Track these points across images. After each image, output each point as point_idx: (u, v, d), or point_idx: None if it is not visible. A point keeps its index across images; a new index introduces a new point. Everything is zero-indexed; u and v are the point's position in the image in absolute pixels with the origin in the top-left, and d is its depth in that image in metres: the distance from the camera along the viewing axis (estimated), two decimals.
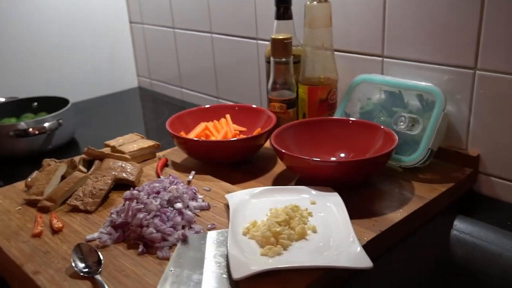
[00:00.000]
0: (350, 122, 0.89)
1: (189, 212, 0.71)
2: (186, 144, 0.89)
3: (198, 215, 0.74)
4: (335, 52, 0.97)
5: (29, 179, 0.84)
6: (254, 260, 0.60)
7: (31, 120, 1.11)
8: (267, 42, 0.96)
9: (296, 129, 0.88)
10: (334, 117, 0.93)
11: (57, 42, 1.48)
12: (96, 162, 0.88)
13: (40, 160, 0.89)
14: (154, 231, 0.66)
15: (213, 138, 0.94)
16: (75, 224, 0.73)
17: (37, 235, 0.70)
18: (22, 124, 1.08)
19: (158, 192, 0.73)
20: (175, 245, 0.66)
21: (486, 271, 0.74)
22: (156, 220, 0.67)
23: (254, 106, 1.02)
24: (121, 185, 0.83)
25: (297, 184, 0.83)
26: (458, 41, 0.82)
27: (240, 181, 0.86)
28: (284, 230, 0.65)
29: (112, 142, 0.95)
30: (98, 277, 0.60)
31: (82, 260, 0.63)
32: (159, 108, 1.52)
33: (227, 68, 1.32)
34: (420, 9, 0.86)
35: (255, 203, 0.73)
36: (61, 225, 0.72)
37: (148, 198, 0.71)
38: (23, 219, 0.75)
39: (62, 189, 0.79)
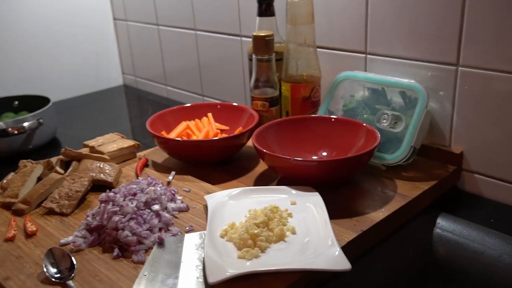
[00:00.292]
0: (332, 120, 0.88)
1: (167, 214, 0.70)
2: (167, 144, 0.88)
3: (176, 217, 0.73)
4: (318, 49, 0.96)
5: (5, 181, 0.82)
6: (230, 263, 0.59)
7: (10, 119, 1.09)
8: (250, 39, 0.94)
9: (277, 128, 0.87)
10: (316, 115, 0.92)
11: (39, 39, 1.46)
12: (74, 163, 0.86)
13: (22, 159, 0.87)
14: (129, 234, 0.65)
15: (194, 138, 0.92)
16: (50, 228, 0.72)
17: (10, 239, 0.69)
18: (1, 124, 1.06)
19: (134, 194, 0.71)
20: (151, 248, 0.65)
21: (468, 269, 0.73)
22: (132, 223, 0.66)
23: (235, 104, 1.00)
24: (99, 186, 0.81)
25: (279, 183, 0.82)
26: (440, 37, 0.81)
27: (221, 181, 0.84)
28: (263, 232, 0.63)
29: (91, 142, 0.93)
30: (70, 282, 0.58)
31: (54, 265, 0.61)
32: (144, 106, 1.50)
33: (212, 65, 1.31)
34: (402, 6, 0.84)
35: (234, 204, 0.72)
36: (35, 228, 0.70)
37: (124, 200, 0.69)
38: None
39: (38, 191, 0.77)
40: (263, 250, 0.61)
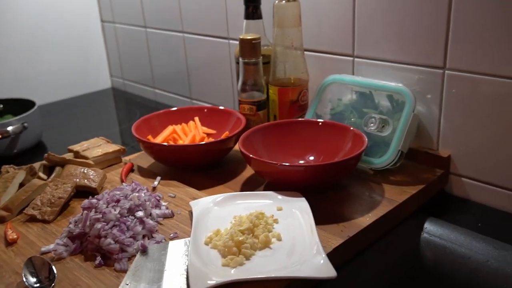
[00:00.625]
0: (319, 124, 0.87)
1: (151, 221, 0.69)
2: (152, 149, 0.87)
3: (161, 224, 0.71)
4: (306, 52, 0.95)
5: None
6: (214, 271, 0.58)
7: None
8: (238, 42, 0.93)
9: (264, 132, 0.86)
10: (303, 119, 0.91)
11: (25, 42, 1.44)
12: (57, 168, 0.84)
13: (5, 165, 0.86)
14: (112, 242, 0.63)
15: (180, 142, 0.91)
16: (31, 235, 0.70)
17: None
18: None
19: (118, 201, 0.70)
20: (134, 256, 0.64)
21: (455, 274, 0.72)
22: (115, 230, 0.65)
23: (222, 108, 0.99)
24: (83, 192, 0.80)
25: (266, 188, 0.81)
26: (427, 40, 0.81)
27: (208, 186, 0.83)
28: (247, 239, 0.62)
29: (76, 147, 0.92)
30: None
31: (34, 275, 0.60)
32: (132, 109, 1.49)
33: (200, 68, 1.30)
34: (389, 9, 0.84)
35: (219, 210, 0.71)
36: (15, 236, 0.69)
37: (107, 207, 0.68)
38: None
39: (19, 197, 0.75)
40: (248, 258, 0.60)
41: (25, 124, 1.09)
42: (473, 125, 0.80)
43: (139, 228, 0.67)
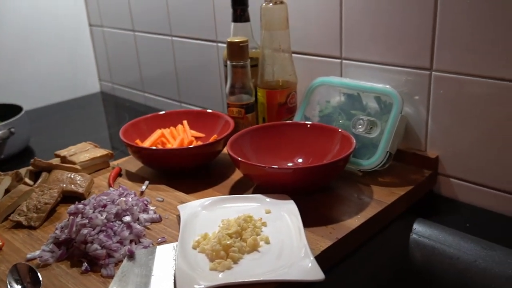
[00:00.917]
0: (308, 126, 0.87)
1: (138, 226, 0.68)
2: (140, 153, 0.86)
3: (148, 228, 0.71)
4: (294, 55, 0.95)
5: None
6: (202, 276, 0.57)
7: None
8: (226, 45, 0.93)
9: (252, 135, 0.86)
10: (291, 121, 0.91)
11: (12, 46, 1.42)
12: (44, 174, 0.83)
13: None
14: (98, 247, 0.63)
15: (169, 146, 0.91)
16: (17, 242, 0.69)
17: None
18: None
19: (105, 206, 0.69)
20: (121, 261, 0.63)
21: (444, 274, 0.73)
22: (101, 236, 0.64)
23: (210, 111, 0.99)
24: (70, 197, 0.79)
25: (255, 191, 0.81)
26: (414, 42, 0.81)
27: (197, 189, 0.83)
28: (235, 242, 0.62)
29: (63, 152, 0.91)
30: None
31: (18, 282, 0.59)
32: (122, 114, 1.48)
33: (189, 71, 1.29)
34: (376, 11, 0.84)
35: (207, 214, 0.71)
36: (1, 243, 0.68)
37: (94, 212, 0.68)
38: None
39: (5, 204, 0.74)
40: (235, 261, 0.60)
41: (12, 130, 1.08)
42: (461, 126, 0.80)
43: (126, 233, 0.66)
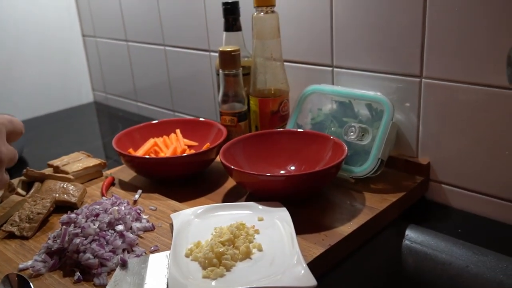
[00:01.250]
0: (300, 133, 0.87)
1: (131, 235, 0.68)
2: (133, 162, 0.86)
3: (141, 237, 0.71)
4: (285, 63, 0.96)
5: None
6: (195, 284, 0.57)
7: None
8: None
9: (245, 143, 0.86)
10: (283, 129, 0.92)
11: (5, 56, 1.43)
12: (36, 184, 0.83)
13: None
14: (91, 256, 0.63)
15: (162, 155, 0.91)
16: (9, 252, 0.69)
17: None
18: None
19: (97, 215, 0.69)
20: (114, 270, 0.63)
21: (436, 280, 0.73)
22: (94, 245, 0.64)
23: (203, 119, 0.99)
24: (63, 207, 0.79)
25: (248, 198, 0.81)
26: (404, 50, 0.82)
27: (190, 198, 0.83)
28: (228, 250, 0.62)
29: (56, 162, 0.91)
30: None
31: None
32: (115, 123, 1.48)
33: (182, 81, 1.30)
34: (366, 19, 0.85)
35: (200, 222, 0.71)
36: None
37: (86, 221, 0.68)
38: None
39: None
40: (228, 269, 0.60)
41: None
42: (451, 132, 0.81)
43: (119, 242, 0.66)
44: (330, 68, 0.94)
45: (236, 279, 0.59)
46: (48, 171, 0.88)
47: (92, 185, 0.89)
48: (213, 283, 0.58)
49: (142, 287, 0.59)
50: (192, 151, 0.93)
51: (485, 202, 0.80)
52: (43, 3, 1.48)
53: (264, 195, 0.76)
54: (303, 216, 0.74)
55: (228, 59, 0.91)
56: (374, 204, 0.77)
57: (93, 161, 0.91)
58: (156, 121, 1.00)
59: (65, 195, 0.79)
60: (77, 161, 0.91)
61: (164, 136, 0.96)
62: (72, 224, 0.67)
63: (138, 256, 0.65)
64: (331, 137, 0.83)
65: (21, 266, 0.65)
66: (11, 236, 0.73)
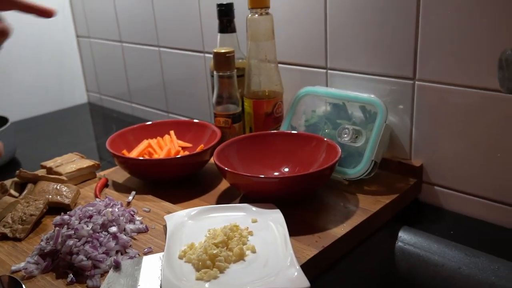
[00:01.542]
0: (294, 135, 0.88)
1: (124, 236, 0.68)
2: (127, 163, 0.86)
3: (135, 239, 0.71)
4: (280, 65, 0.96)
5: None
6: (188, 286, 0.57)
7: None
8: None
9: (239, 145, 0.86)
10: (277, 131, 0.92)
11: None
12: (29, 185, 0.83)
13: None
14: (84, 258, 0.62)
15: (156, 156, 0.91)
16: (1, 254, 0.69)
17: None
18: None
19: (91, 216, 0.69)
20: (107, 272, 0.63)
21: (429, 282, 0.73)
22: (87, 247, 0.64)
23: (197, 121, 0.99)
24: (56, 209, 0.78)
25: (242, 200, 0.81)
26: (397, 52, 0.82)
27: (184, 199, 0.83)
28: (222, 251, 0.62)
29: (49, 163, 0.90)
30: None
31: None
32: (109, 124, 1.48)
33: (176, 82, 1.30)
34: (359, 22, 0.86)
35: (193, 224, 0.71)
36: None
37: (79, 223, 0.67)
38: None
39: None
40: (222, 271, 0.60)
41: None
42: (444, 135, 0.81)
43: (112, 243, 0.66)
44: (324, 70, 0.94)
45: (230, 281, 0.59)
46: (41, 172, 0.88)
47: (86, 187, 0.88)
48: (207, 285, 0.58)
49: None
50: (186, 153, 0.93)
51: (477, 204, 0.80)
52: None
53: (258, 196, 0.76)
54: (297, 217, 0.74)
55: (223, 61, 0.91)
56: (368, 206, 0.78)
57: (86, 162, 0.91)
58: (150, 122, 1.00)
59: (58, 197, 0.79)
60: (70, 162, 0.90)
61: (158, 138, 0.96)
62: (65, 226, 0.67)
63: (131, 258, 0.65)
64: (325, 139, 0.84)
65: (13, 268, 0.64)
66: (3, 237, 0.72)
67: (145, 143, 0.94)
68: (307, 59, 0.97)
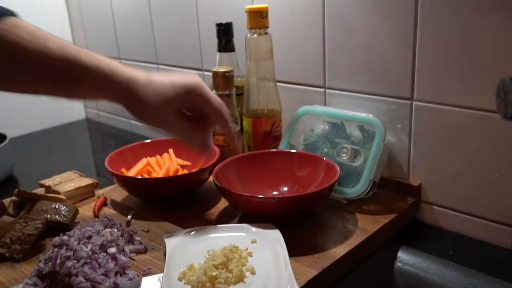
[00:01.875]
0: (293, 154, 0.88)
1: (123, 257, 0.68)
2: (126, 182, 0.86)
3: (134, 259, 0.70)
4: (278, 84, 0.97)
5: None
6: None
7: None
8: (211, 73, 0.94)
9: (238, 164, 0.87)
10: (276, 150, 0.92)
11: None
12: (28, 205, 0.83)
13: None
14: (83, 280, 0.62)
15: (154, 175, 0.91)
16: None
17: None
18: None
19: (90, 237, 0.69)
20: None
21: None
22: (86, 268, 0.63)
23: None
24: (55, 228, 0.78)
25: (241, 219, 0.81)
26: (395, 73, 0.83)
27: (182, 218, 0.83)
28: (221, 273, 0.62)
29: (47, 182, 0.90)
30: None
31: None
32: (107, 141, 1.48)
33: None
34: (357, 42, 0.87)
35: (193, 245, 0.70)
36: None
37: (78, 244, 0.67)
38: None
39: None
40: None
41: None
42: (442, 154, 0.82)
43: (111, 265, 0.66)
44: (322, 89, 0.95)
45: None
46: (40, 191, 0.88)
47: (84, 205, 0.88)
48: None
49: None
50: (185, 171, 0.93)
51: (476, 224, 0.80)
52: (36, 20, 1.47)
53: (257, 216, 0.76)
54: (296, 237, 0.74)
55: (222, 80, 0.92)
56: (367, 225, 0.78)
57: (85, 181, 0.91)
58: (149, 140, 1.00)
59: (57, 216, 0.78)
60: (69, 181, 0.90)
61: (157, 156, 0.97)
62: (64, 247, 0.67)
63: (130, 279, 0.65)
64: (324, 158, 0.84)
65: None
66: (1, 258, 0.72)
67: (144, 161, 0.94)
68: (305, 78, 0.97)
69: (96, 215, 0.84)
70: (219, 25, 0.96)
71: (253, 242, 0.71)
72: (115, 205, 0.89)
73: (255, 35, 0.90)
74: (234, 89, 0.94)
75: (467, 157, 0.79)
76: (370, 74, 0.87)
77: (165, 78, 0.67)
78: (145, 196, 0.89)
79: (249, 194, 0.76)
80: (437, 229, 0.85)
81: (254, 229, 0.73)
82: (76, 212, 0.82)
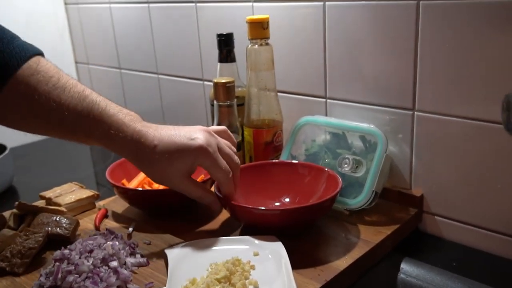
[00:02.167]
0: (294, 165, 0.88)
1: (125, 271, 0.67)
2: (126, 194, 0.86)
3: (135, 273, 0.70)
4: (279, 94, 0.97)
5: None
6: None
7: None
8: (212, 84, 0.94)
9: (239, 174, 0.86)
10: (277, 160, 0.92)
11: None
12: (28, 217, 0.82)
13: None
14: None
15: (155, 186, 0.91)
16: None
17: None
18: None
19: (91, 251, 0.68)
20: None
21: None
22: (88, 283, 0.63)
23: None
24: (56, 241, 0.78)
25: (243, 230, 0.81)
26: (396, 83, 0.83)
27: (184, 230, 0.82)
28: (224, 287, 0.62)
29: (48, 194, 0.90)
30: None
31: None
32: (107, 151, 1.47)
33: (175, 109, 1.30)
34: (358, 52, 0.87)
35: (195, 258, 0.70)
36: None
37: (80, 258, 0.67)
38: None
39: None
40: None
41: None
42: (443, 164, 0.82)
43: (113, 279, 0.65)
44: (324, 100, 0.95)
45: None
46: (40, 203, 0.87)
47: (85, 217, 0.88)
48: None
49: None
50: None
51: (479, 234, 0.80)
52: (35, 29, 1.48)
53: (259, 227, 0.76)
54: (298, 249, 0.74)
55: (223, 91, 0.92)
56: (369, 237, 0.77)
57: (86, 193, 0.91)
58: None
59: (58, 229, 0.78)
60: (69, 193, 0.90)
61: None
62: (66, 261, 0.66)
63: None
64: (326, 169, 0.84)
65: None
66: (2, 272, 0.71)
67: None
68: (306, 88, 0.97)
69: (97, 228, 0.83)
70: (220, 36, 0.96)
71: (256, 254, 0.70)
72: (116, 216, 0.88)
73: (256, 45, 0.90)
74: (235, 99, 0.94)
75: (469, 167, 0.78)
76: (371, 84, 0.87)
77: (171, 143, 0.71)
78: (146, 207, 0.88)
79: (250, 206, 0.76)
80: (439, 239, 0.85)
81: (256, 241, 0.73)
82: (77, 224, 0.82)
